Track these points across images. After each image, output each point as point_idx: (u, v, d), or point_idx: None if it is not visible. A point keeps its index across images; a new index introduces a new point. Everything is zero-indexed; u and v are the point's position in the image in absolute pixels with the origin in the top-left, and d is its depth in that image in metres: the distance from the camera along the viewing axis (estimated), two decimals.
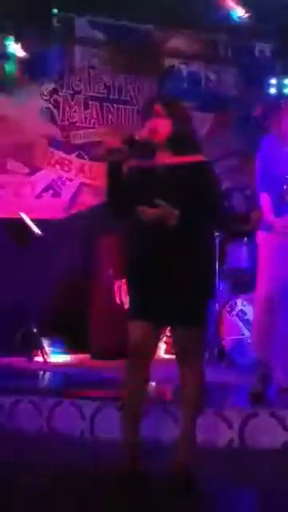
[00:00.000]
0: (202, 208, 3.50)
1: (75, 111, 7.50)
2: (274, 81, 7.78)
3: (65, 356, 6.50)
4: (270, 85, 7.82)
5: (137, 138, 3.57)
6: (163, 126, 3.58)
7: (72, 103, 7.50)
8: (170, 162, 3.58)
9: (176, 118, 3.60)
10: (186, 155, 3.59)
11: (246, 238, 6.25)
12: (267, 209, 4.56)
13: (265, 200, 4.57)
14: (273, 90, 7.80)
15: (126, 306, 3.68)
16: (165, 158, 3.60)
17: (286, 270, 4.55)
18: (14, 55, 6.92)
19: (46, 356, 6.18)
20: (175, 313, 3.50)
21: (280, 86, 7.75)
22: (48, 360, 6.17)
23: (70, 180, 7.43)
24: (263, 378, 4.61)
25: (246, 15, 6.87)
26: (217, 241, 5.98)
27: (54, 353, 6.33)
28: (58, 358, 6.37)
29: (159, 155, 3.62)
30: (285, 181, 4.52)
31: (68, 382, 5.42)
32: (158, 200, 3.42)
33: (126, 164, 3.61)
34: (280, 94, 7.73)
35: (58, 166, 7.38)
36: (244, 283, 6.13)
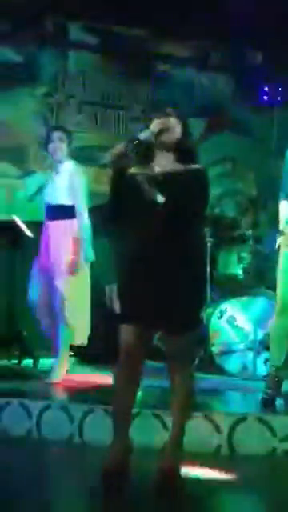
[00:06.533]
0: (188, 208, 3.51)
1: (68, 115, 7.53)
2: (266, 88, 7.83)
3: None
4: (262, 91, 7.87)
5: (141, 138, 3.56)
6: (175, 128, 3.62)
7: (65, 107, 7.52)
8: (171, 168, 3.60)
9: (184, 126, 3.66)
10: (188, 163, 3.62)
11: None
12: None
13: (283, 207, 4.58)
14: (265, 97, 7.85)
15: (116, 310, 3.68)
16: (165, 164, 3.62)
17: None
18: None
19: (35, 359, 6.18)
20: (166, 318, 3.52)
21: (272, 93, 7.79)
22: (38, 363, 6.18)
23: None
24: (275, 383, 4.62)
25: None
26: (208, 246, 6.00)
27: (43, 356, 6.32)
28: (48, 361, 6.36)
29: (159, 158, 3.64)
30: None
31: (57, 385, 5.42)
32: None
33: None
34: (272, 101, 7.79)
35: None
36: (234, 289, 6.15)
